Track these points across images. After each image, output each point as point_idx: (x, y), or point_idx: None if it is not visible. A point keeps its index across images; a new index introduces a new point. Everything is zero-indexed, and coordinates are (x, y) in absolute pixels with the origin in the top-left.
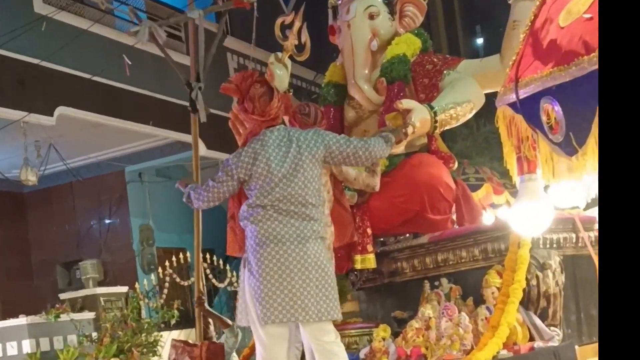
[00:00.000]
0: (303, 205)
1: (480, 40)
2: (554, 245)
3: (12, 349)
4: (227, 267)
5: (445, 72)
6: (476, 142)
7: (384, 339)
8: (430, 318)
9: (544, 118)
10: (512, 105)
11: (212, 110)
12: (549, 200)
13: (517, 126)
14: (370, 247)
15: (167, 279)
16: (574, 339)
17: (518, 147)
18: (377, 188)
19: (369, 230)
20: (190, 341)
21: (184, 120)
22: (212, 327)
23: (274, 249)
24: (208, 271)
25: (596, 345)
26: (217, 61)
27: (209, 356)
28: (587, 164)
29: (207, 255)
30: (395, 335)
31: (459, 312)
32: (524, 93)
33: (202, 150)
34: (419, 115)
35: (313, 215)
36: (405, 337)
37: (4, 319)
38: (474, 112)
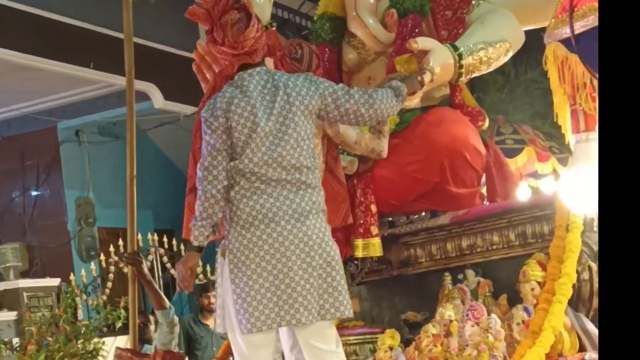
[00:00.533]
0: (297, 170)
1: None
2: None
3: None
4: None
5: (474, 2)
6: (514, 94)
7: (391, 348)
8: (451, 321)
9: None
10: (566, 42)
11: (173, 50)
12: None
13: (571, 69)
14: (375, 229)
15: (112, 268)
16: None
17: (573, 97)
18: (385, 154)
19: (373, 208)
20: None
21: (136, 64)
22: (151, 327)
23: (264, 230)
24: (165, 259)
25: None
26: None
27: None
28: None
29: (165, 239)
30: (406, 343)
31: (489, 313)
32: (581, 26)
33: (159, 101)
34: (439, 59)
35: (310, 182)
36: (418, 345)
37: None
38: (510, 54)
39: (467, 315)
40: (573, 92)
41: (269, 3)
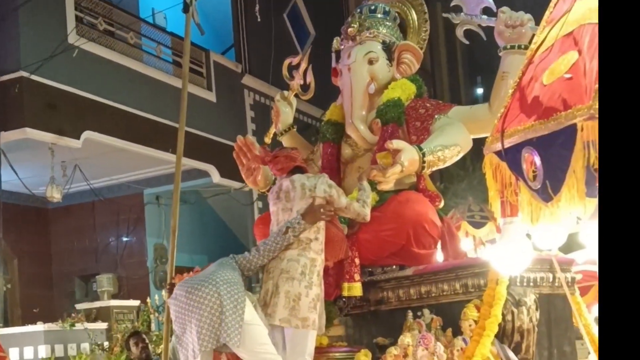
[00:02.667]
0: None
1: (480, 90)
2: (531, 284)
3: (28, 353)
4: None
5: (436, 116)
6: (471, 184)
7: None
8: (408, 346)
9: (525, 166)
10: (498, 153)
11: (227, 141)
12: (528, 242)
13: (501, 173)
14: (357, 276)
15: None
16: None
17: (502, 192)
18: (368, 218)
19: (357, 260)
20: None
21: (201, 149)
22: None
23: None
24: None
25: None
26: (235, 97)
27: None
28: (560, 210)
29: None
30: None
31: (435, 341)
32: (508, 143)
33: (216, 177)
34: (408, 156)
35: None
36: None
37: (23, 325)
38: (460, 155)
39: (420, 342)
40: (502, 188)
41: (291, 111)
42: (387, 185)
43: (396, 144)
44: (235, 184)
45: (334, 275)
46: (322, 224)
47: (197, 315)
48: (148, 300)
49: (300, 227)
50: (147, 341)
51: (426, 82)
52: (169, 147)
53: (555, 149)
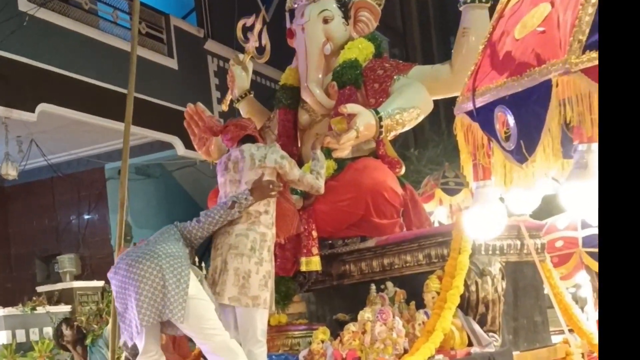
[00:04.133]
0: None
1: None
2: (497, 252)
3: None
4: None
5: (395, 77)
6: (447, 149)
7: (322, 342)
8: (368, 321)
9: (497, 126)
10: (469, 113)
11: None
12: (501, 206)
13: (473, 134)
14: (315, 250)
15: None
16: (514, 345)
17: (474, 154)
18: (322, 190)
19: (314, 233)
20: None
21: (163, 120)
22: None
23: None
24: None
25: (536, 351)
26: (198, 64)
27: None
28: (535, 171)
29: None
30: (336, 338)
31: (394, 316)
32: (480, 102)
33: (180, 149)
34: (364, 120)
35: None
36: (342, 339)
37: None
38: (420, 118)
39: (378, 317)
40: (474, 150)
41: (247, 76)
42: (343, 152)
43: (350, 108)
44: (201, 156)
45: (291, 250)
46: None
47: (137, 289)
48: None
49: (248, 203)
50: (77, 323)
51: (398, 43)
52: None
53: (530, 106)
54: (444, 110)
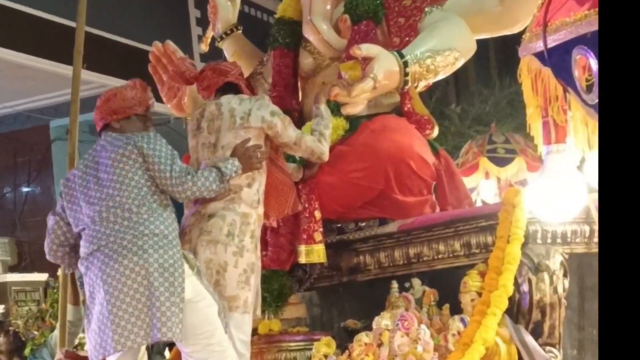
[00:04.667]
0: None
1: None
2: (558, 240)
3: None
4: None
5: (427, 9)
6: (498, 106)
7: (326, 356)
8: (385, 330)
9: (577, 73)
10: (539, 55)
11: None
12: (580, 178)
13: (544, 82)
14: (318, 236)
15: None
16: None
17: (545, 109)
18: (325, 157)
19: (317, 214)
20: (81, 353)
21: (127, 64)
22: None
23: None
24: None
25: None
26: None
27: None
28: None
29: None
30: (344, 350)
31: (420, 324)
32: (553, 40)
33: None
34: (384, 66)
35: None
36: (351, 354)
37: None
38: (460, 63)
39: (398, 325)
40: (545, 104)
41: (234, 6)
42: (355, 108)
43: (366, 49)
44: (173, 111)
45: (287, 235)
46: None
47: (113, 300)
48: (59, 272)
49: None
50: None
51: None
52: (84, 61)
53: None
54: (494, 53)
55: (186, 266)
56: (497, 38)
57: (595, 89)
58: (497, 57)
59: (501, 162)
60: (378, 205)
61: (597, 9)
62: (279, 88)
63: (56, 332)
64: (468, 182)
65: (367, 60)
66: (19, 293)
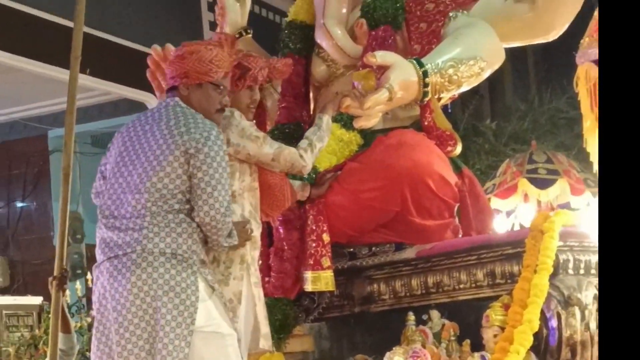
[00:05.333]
0: None
1: None
2: (592, 272)
3: None
4: None
5: (451, 14)
6: (537, 123)
7: None
8: None
9: None
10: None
11: None
12: None
13: None
14: (326, 261)
15: None
16: None
17: None
18: (306, 170)
19: (325, 237)
20: None
21: (134, 71)
22: None
23: None
24: None
25: None
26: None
27: None
28: None
29: None
30: None
31: None
32: None
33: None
34: (401, 76)
35: None
36: None
37: None
38: (486, 74)
39: None
40: None
41: (244, 8)
42: (369, 121)
43: (382, 57)
44: None
45: (292, 260)
46: (247, 172)
47: (119, 316)
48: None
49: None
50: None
51: None
52: (87, 66)
53: None
54: (533, 65)
55: (201, 284)
56: (536, 47)
57: None
58: (537, 69)
59: (542, 183)
60: (394, 228)
61: None
62: (289, 98)
63: None
64: (505, 205)
65: (382, 69)
66: (11, 318)
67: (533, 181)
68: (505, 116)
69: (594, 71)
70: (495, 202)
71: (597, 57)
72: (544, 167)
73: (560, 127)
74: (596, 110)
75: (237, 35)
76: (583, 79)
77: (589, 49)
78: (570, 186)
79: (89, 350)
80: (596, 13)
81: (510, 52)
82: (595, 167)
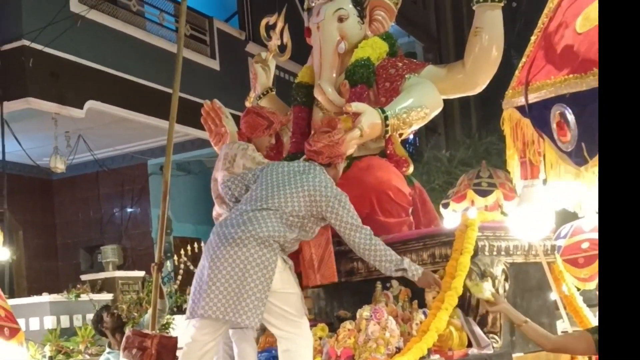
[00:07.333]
0: None
1: None
2: (502, 253)
3: (34, 324)
4: None
5: (407, 76)
6: (477, 152)
7: (320, 338)
8: (364, 320)
9: (553, 125)
10: (520, 108)
11: (232, 111)
12: (551, 206)
13: (523, 130)
14: None
15: (182, 266)
16: (517, 347)
17: (523, 151)
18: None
19: None
20: (144, 330)
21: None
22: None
23: None
24: (189, 263)
25: (537, 354)
26: (238, 65)
27: (160, 349)
28: (596, 176)
29: (191, 245)
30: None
31: (389, 315)
32: (534, 97)
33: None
34: (369, 119)
35: None
36: (337, 337)
37: (28, 295)
38: (429, 117)
39: (372, 316)
40: (524, 147)
41: (270, 73)
42: (350, 149)
43: (355, 106)
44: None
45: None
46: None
47: (212, 277)
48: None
49: (409, 274)
50: (118, 312)
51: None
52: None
53: (594, 107)
54: (475, 113)
55: (280, 261)
56: (477, 100)
57: (573, 139)
58: (477, 115)
59: (483, 193)
60: (366, 224)
61: (576, 74)
62: (297, 135)
63: (146, 315)
64: (459, 207)
65: (356, 115)
66: (124, 285)
67: (477, 192)
68: (456, 147)
69: (515, 114)
70: (452, 205)
71: (518, 104)
72: (485, 180)
73: (494, 154)
74: (517, 143)
75: (264, 92)
76: (507, 120)
77: (512, 98)
78: (503, 194)
79: (176, 306)
80: (517, 72)
81: (459, 103)
82: (514, 182)
